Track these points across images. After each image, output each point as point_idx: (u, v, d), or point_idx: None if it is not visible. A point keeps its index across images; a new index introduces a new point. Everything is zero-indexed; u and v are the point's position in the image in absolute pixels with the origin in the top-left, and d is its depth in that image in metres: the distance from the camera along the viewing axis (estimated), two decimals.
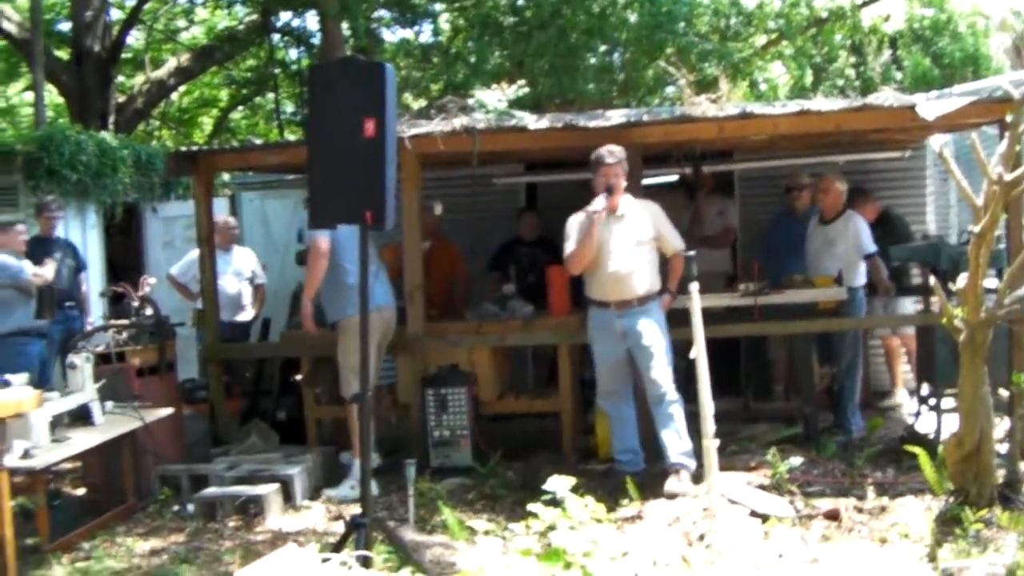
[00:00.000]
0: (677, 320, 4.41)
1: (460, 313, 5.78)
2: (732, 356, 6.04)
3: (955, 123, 5.14)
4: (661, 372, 4.45)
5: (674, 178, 7.00)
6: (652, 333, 4.48)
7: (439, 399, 4.99)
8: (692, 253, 3.95)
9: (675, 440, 4.41)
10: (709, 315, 4.07)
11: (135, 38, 12.75)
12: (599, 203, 4.46)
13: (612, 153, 4.52)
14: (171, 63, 11.91)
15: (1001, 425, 4.10)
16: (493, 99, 6.32)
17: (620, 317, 4.52)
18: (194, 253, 6.14)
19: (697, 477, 4.23)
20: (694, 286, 3.66)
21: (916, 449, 4.29)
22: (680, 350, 4.19)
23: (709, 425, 3.47)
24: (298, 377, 5.60)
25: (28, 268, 5.96)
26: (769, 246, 6.16)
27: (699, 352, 3.49)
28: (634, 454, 4.68)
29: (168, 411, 4.88)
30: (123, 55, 11.67)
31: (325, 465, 5.06)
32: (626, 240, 4.54)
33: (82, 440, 4.33)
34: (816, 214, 5.88)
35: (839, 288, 5.37)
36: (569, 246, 4.63)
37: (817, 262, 5.72)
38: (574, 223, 4.65)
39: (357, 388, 3.69)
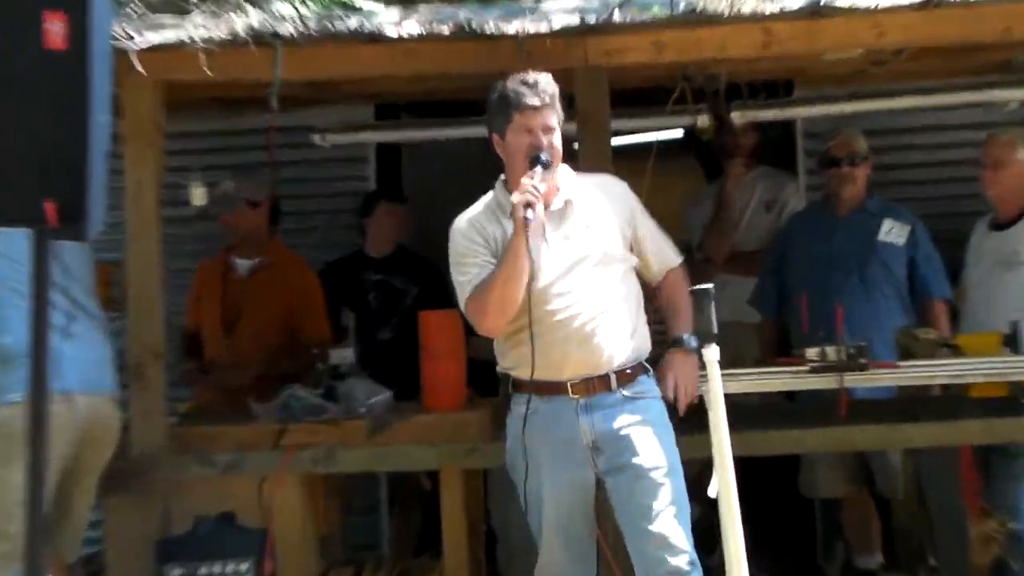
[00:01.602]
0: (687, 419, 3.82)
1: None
2: (795, 493, 5.56)
3: None
4: (669, 525, 3.50)
5: (676, 135, 6.70)
6: (648, 445, 3.56)
7: None
8: (708, 287, 3.45)
9: None
10: (747, 411, 4.21)
11: None
12: (527, 191, 3.56)
13: (537, 87, 3.58)
14: None
15: None
16: None
17: (586, 414, 3.60)
18: None
19: None
20: (711, 353, 3.35)
21: None
22: (693, 478, 3.89)
23: None
24: None
25: None
26: (799, 264, 5.49)
27: (723, 487, 3.23)
28: None
29: None
30: None
31: None
32: (578, 258, 3.63)
33: None
34: (874, 208, 5.32)
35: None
36: (466, 281, 3.69)
37: (979, 302, 5.09)
38: (471, 234, 3.72)
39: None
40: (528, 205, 3.80)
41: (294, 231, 6.24)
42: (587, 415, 3.98)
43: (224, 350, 5.54)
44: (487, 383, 4.47)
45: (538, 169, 3.87)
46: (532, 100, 3.95)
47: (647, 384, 4.03)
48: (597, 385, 4.06)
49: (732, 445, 3.48)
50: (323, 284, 5.85)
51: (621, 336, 4.02)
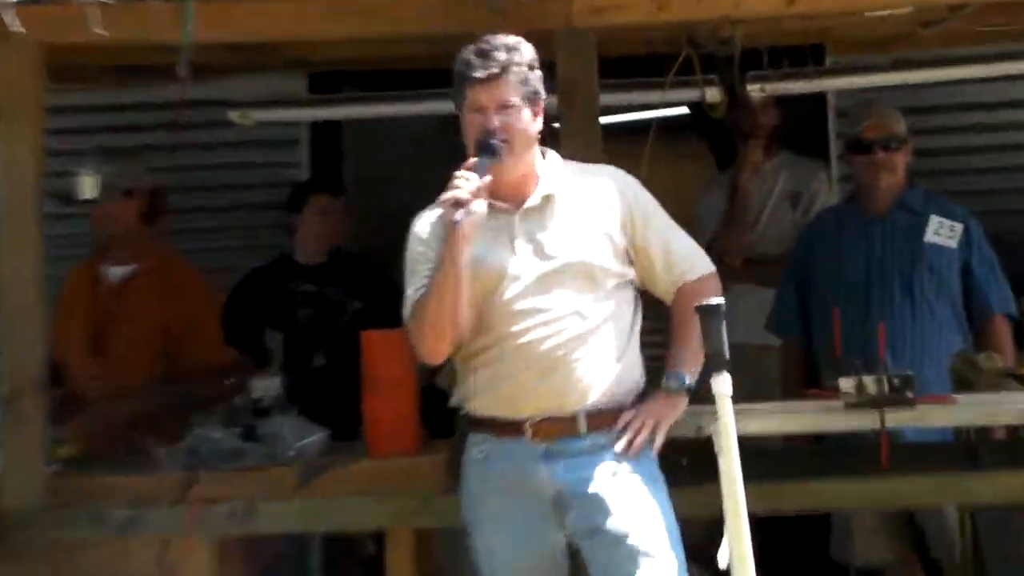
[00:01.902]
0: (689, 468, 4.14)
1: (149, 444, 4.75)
2: (827, 560, 5.49)
3: None
4: None
5: (680, 112, 6.58)
6: (629, 503, 3.67)
7: None
8: (717, 302, 3.41)
9: None
10: (766, 457, 4.41)
11: None
12: (454, 185, 3.73)
13: (491, 56, 3.68)
14: None
15: None
16: None
17: (547, 462, 3.68)
18: None
19: None
20: (721, 384, 3.29)
21: None
22: (696, 544, 3.90)
23: None
24: None
25: None
26: (827, 274, 5.31)
27: (736, 554, 3.31)
28: None
29: None
30: None
31: None
32: (550, 268, 3.82)
33: None
34: (916, 202, 5.25)
35: None
36: (411, 295, 3.80)
37: None
38: (429, 238, 3.61)
39: None
40: (457, 204, 3.71)
41: (206, 231, 6.14)
42: (548, 463, 3.89)
43: (89, 378, 5.30)
44: (444, 419, 4.38)
45: (479, 160, 3.80)
46: (479, 72, 3.84)
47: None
48: (561, 427, 3.92)
49: (748, 500, 3.35)
50: (242, 297, 5.74)
51: (597, 368, 3.94)
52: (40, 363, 4.62)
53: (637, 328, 4.02)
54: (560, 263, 3.89)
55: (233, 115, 6.05)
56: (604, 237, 3.94)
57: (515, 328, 3.89)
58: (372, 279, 5.62)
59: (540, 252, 3.92)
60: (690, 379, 3.93)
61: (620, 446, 3.98)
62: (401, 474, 4.47)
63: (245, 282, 5.81)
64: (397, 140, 6.92)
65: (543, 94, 3.89)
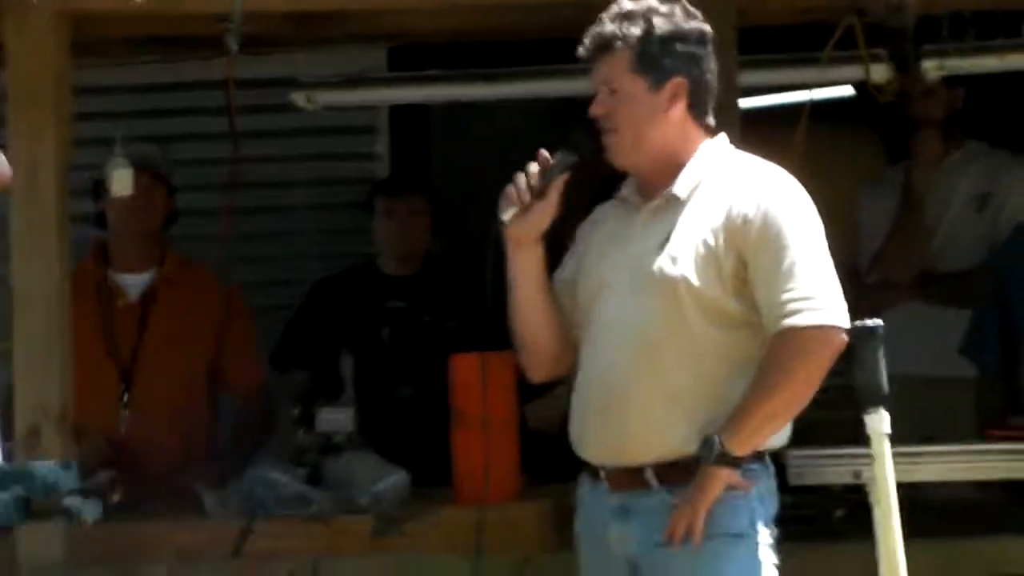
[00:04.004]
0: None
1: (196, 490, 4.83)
2: None
3: None
4: None
5: (845, 93, 6.34)
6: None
7: None
8: (875, 323, 3.41)
9: None
10: (941, 511, 4.41)
11: None
12: (521, 180, 3.81)
13: (614, 22, 3.85)
14: None
15: None
16: None
17: (617, 517, 3.87)
18: None
19: None
20: (879, 421, 3.33)
21: None
22: None
23: None
24: None
25: None
26: None
27: None
28: None
29: None
30: None
31: None
32: (638, 284, 3.90)
33: None
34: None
35: None
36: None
37: None
38: (580, 228, 4.09)
39: None
40: (509, 201, 3.76)
41: (272, 236, 6.14)
42: (622, 520, 3.78)
43: (115, 417, 5.22)
44: (555, 462, 4.29)
45: (559, 154, 3.76)
46: (581, 49, 3.80)
47: (728, 498, 3.79)
48: (632, 480, 3.79)
49: (912, 561, 3.31)
50: (313, 312, 5.72)
51: (671, 410, 3.78)
52: (61, 395, 4.60)
53: (744, 367, 3.79)
54: (653, 278, 3.74)
55: (296, 97, 5.74)
56: (704, 252, 3.76)
57: (591, 351, 3.80)
58: (472, 295, 5.30)
59: (640, 262, 3.77)
60: (730, 446, 3.69)
61: (676, 540, 3.81)
62: (497, 525, 4.31)
63: (317, 293, 5.73)
64: (494, 128, 6.76)
65: (686, 70, 3.68)
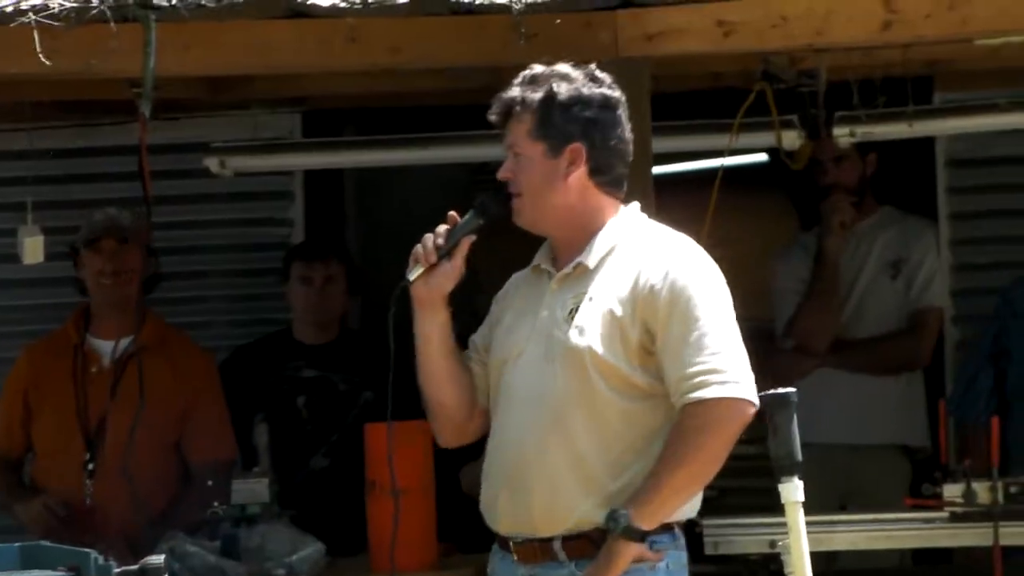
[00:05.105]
0: None
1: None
2: None
3: None
4: None
5: (758, 159, 6.53)
6: None
7: None
8: (788, 392, 3.42)
9: None
10: None
11: None
12: (428, 239, 3.88)
13: (521, 87, 3.89)
14: None
15: None
16: None
17: None
18: None
19: None
20: (792, 490, 3.34)
21: None
22: None
23: None
24: None
25: None
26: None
27: None
28: None
29: None
30: None
31: None
32: (542, 353, 3.95)
33: None
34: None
35: None
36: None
37: None
38: (501, 292, 4.17)
39: None
40: (415, 261, 3.81)
41: (178, 302, 6.00)
42: None
43: (80, 486, 5.25)
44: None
45: (468, 215, 3.82)
46: (489, 115, 3.86)
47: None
48: (541, 552, 3.82)
49: None
50: (227, 380, 5.55)
51: (577, 480, 3.80)
52: None
53: (654, 438, 3.82)
54: (561, 348, 3.77)
55: (209, 162, 5.82)
56: (613, 324, 3.78)
57: (500, 419, 3.80)
58: (388, 364, 5.48)
59: (548, 331, 3.80)
60: (637, 519, 3.71)
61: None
62: None
63: (231, 362, 5.70)
64: (410, 191, 6.89)
65: (587, 136, 3.69)
